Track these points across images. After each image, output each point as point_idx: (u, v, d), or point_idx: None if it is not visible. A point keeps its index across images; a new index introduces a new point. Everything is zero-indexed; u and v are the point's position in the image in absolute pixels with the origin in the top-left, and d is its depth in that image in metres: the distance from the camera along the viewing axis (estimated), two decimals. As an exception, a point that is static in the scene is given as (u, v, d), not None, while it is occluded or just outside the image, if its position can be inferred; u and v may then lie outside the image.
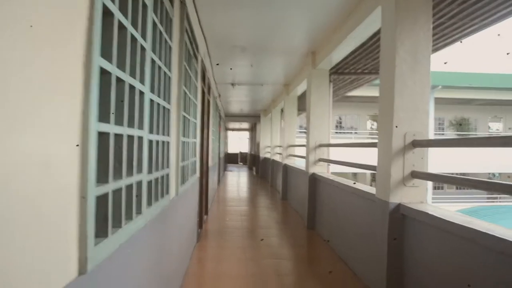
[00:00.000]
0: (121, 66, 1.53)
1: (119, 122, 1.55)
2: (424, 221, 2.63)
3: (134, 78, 1.72)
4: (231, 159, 29.21)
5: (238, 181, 15.71)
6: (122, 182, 1.57)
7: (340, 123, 25.24)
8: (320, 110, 6.31)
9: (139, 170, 1.88)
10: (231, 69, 7.77)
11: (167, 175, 2.62)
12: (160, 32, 2.25)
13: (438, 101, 20.37)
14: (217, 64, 7.20)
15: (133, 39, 1.70)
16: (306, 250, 5.19)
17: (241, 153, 30.93)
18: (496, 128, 26.00)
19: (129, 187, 1.71)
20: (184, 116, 3.42)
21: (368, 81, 7.57)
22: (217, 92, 10.09)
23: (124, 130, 1.57)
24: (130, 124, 1.70)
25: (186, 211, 3.87)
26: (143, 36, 1.86)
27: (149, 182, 2.10)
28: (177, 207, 3.18)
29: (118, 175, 1.55)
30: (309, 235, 5.86)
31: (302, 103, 11.71)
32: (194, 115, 4.28)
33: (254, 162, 21.08)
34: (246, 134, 29.38)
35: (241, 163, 30.00)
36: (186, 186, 3.63)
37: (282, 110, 12.88)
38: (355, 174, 25.53)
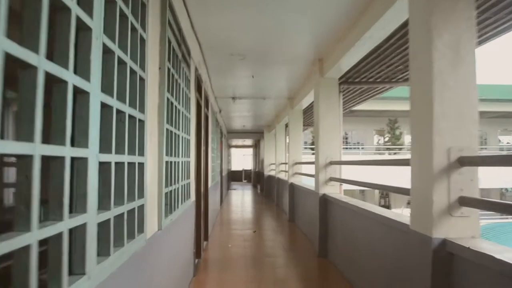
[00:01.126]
0: (24, 41, 0.91)
1: (25, 136, 0.92)
2: (482, 263, 1.96)
3: (65, 67, 1.10)
4: (235, 176, 28.56)
5: (242, 200, 15.01)
6: (30, 237, 0.93)
7: (346, 138, 24.58)
8: (329, 123, 5.68)
9: (81, 208, 1.24)
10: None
11: (142, 207, 1.98)
12: (122, 13, 1.64)
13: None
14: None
15: (62, 6, 1.09)
16: (319, 284, 4.48)
17: (245, 170, 30.27)
18: (507, 141, 25.24)
19: (54, 240, 1.08)
20: (170, 131, 2.80)
21: (381, 92, 6.96)
22: (217, 107, 9.52)
23: (34, 149, 0.94)
24: (55, 139, 1.08)
25: (176, 245, 3.22)
26: (86, 9, 1.25)
27: (104, 223, 1.46)
28: (161, 244, 2.54)
29: (22, 225, 0.92)
30: (322, 265, 5.16)
31: (307, 117, 11.13)
32: (186, 130, 3.67)
33: (258, 180, 20.39)
34: (250, 151, 28.77)
35: (245, 181, 29.33)
36: (175, 215, 2.99)
37: (286, 126, 12.29)
38: (362, 191, 24.70)
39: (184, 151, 3.54)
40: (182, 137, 3.40)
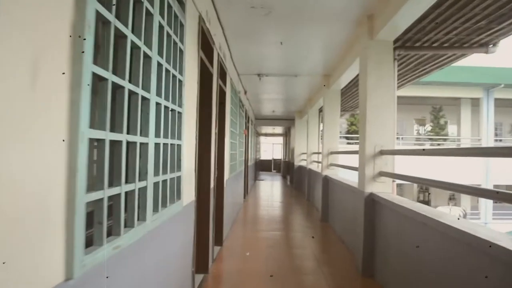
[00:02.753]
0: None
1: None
2: None
3: None
4: (264, 166, 27.33)
5: (269, 192, 13.74)
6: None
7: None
8: (380, 101, 4.29)
9: None
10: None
11: None
12: None
13: (498, 103, 17.60)
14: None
15: None
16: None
17: (274, 160, 28.98)
18: None
19: None
20: (117, 86, 1.54)
21: (447, 62, 5.42)
22: (241, 86, 8.22)
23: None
24: None
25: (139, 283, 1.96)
26: None
27: None
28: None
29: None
30: (369, 291, 3.84)
31: (344, 101, 9.69)
32: (173, 98, 2.40)
33: (288, 170, 19.06)
34: (280, 139, 27.44)
35: (274, 171, 28.05)
36: (131, 238, 1.73)
37: (320, 110, 10.90)
38: (399, 185, 22.70)
39: (166, 129, 2.28)
40: (161, 105, 2.13)
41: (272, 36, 5.16)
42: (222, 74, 5.19)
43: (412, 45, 4.68)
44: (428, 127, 21.33)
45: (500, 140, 21.91)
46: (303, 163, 13.25)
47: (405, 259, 3.28)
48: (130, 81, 1.66)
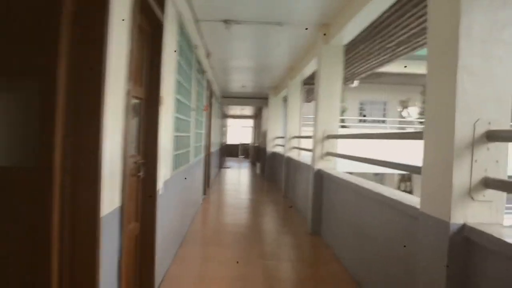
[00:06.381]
0: None
1: None
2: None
3: None
4: (230, 151, 24.95)
5: (237, 185, 11.33)
6: None
7: (364, 110, 20.64)
8: (490, 22, 1.99)
9: None
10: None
11: None
12: None
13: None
14: None
15: None
16: None
17: (242, 144, 26.63)
18: None
19: None
20: None
21: None
22: (200, 42, 5.70)
23: None
24: None
25: None
26: None
27: None
28: None
29: None
30: None
31: (347, 63, 7.34)
32: None
33: (258, 157, 16.72)
34: (250, 122, 25.07)
35: (242, 156, 25.73)
36: None
37: (304, 83, 8.56)
38: (377, 174, 20.61)
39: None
40: None
41: None
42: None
43: None
44: (416, 109, 19.21)
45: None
46: (279, 150, 10.93)
47: None
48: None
